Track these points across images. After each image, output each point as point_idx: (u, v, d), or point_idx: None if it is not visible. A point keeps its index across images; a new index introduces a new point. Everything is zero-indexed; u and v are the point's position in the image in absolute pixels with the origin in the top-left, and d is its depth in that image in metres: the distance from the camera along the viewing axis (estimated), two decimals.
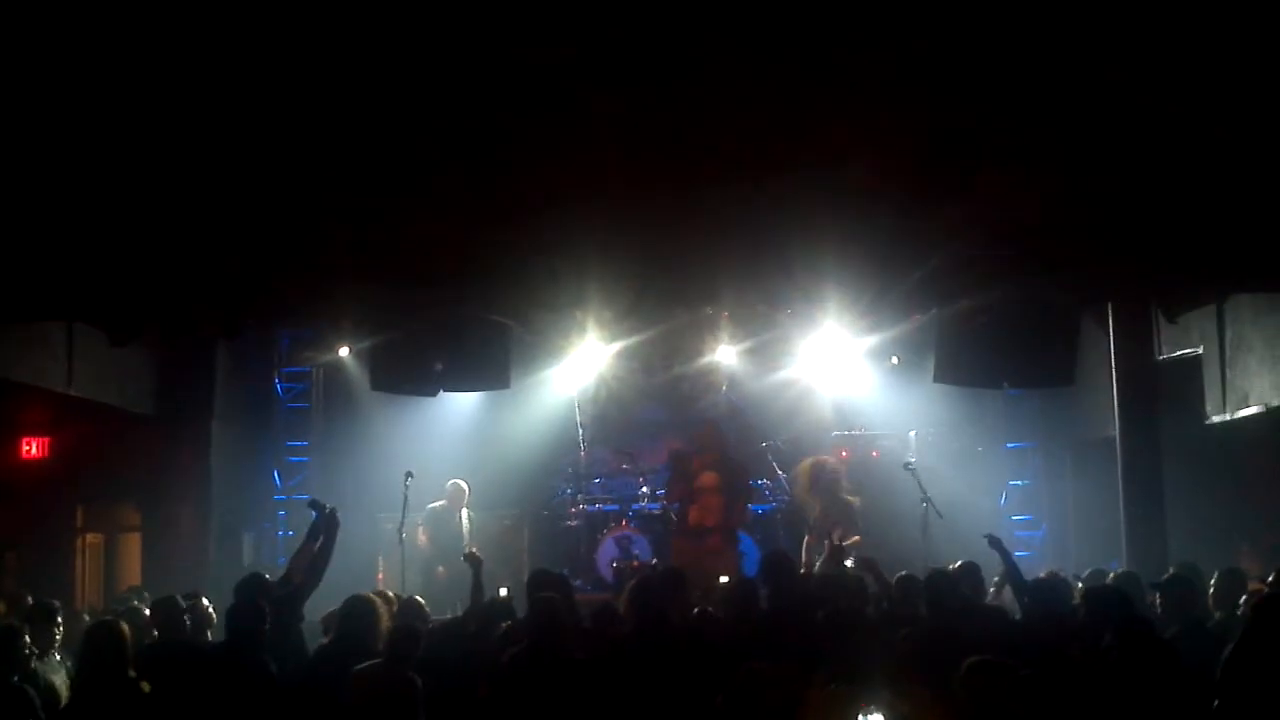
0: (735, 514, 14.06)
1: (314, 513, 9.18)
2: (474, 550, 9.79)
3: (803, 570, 11.49)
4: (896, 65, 6.44)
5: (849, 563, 10.62)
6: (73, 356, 11.99)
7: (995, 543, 9.67)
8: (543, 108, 6.80)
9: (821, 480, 13.50)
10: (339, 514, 9.17)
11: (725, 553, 13.57)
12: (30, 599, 9.75)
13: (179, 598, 9.09)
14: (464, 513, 14.25)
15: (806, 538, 13.39)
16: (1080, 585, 9.14)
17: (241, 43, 6.08)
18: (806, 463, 13.87)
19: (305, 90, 6.58)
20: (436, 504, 14.17)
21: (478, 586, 9.29)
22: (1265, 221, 8.04)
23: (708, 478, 13.83)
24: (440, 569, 13.25)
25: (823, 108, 6.85)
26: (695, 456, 14.07)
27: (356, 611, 8.06)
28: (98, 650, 7.41)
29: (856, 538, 12.69)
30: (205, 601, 9.43)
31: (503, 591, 9.47)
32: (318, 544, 9.02)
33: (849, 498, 13.50)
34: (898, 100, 6.82)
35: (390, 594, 9.43)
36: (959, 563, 9.43)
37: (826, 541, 11.45)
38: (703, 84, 6.64)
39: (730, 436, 15.39)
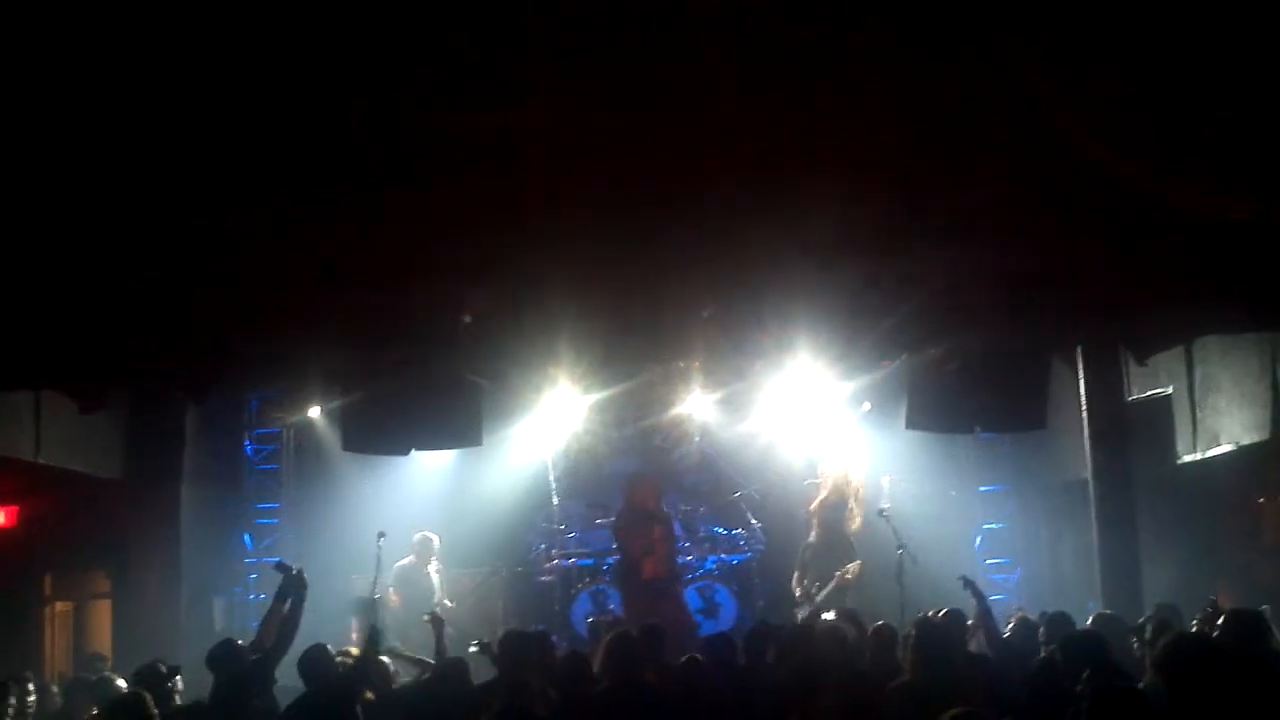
0: (674, 563, 14.60)
1: (282, 575, 9.13)
2: (435, 611, 9.73)
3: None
4: (863, 115, 6.47)
5: (829, 615, 10.61)
6: (40, 424, 11.88)
7: (969, 585, 9.68)
8: (508, 165, 6.81)
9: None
10: (305, 574, 9.09)
11: (684, 607, 14.21)
12: None
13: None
14: (433, 566, 14.16)
15: (796, 572, 13.73)
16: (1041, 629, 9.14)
17: (204, 107, 6.06)
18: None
19: (268, 154, 6.56)
20: (404, 561, 14.08)
21: (440, 648, 9.25)
22: (1229, 265, 8.09)
23: (657, 531, 14.21)
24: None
25: (792, 158, 6.87)
26: (645, 516, 14.27)
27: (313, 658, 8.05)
28: None
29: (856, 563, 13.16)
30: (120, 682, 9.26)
31: (472, 648, 9.43)
32: (286, 606, 8.94)
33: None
34: (866, 150, 6.85)
35: (355, 651, 9.36)
36: (943, 610, 9.41)
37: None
38: (672, 137, 6.65)
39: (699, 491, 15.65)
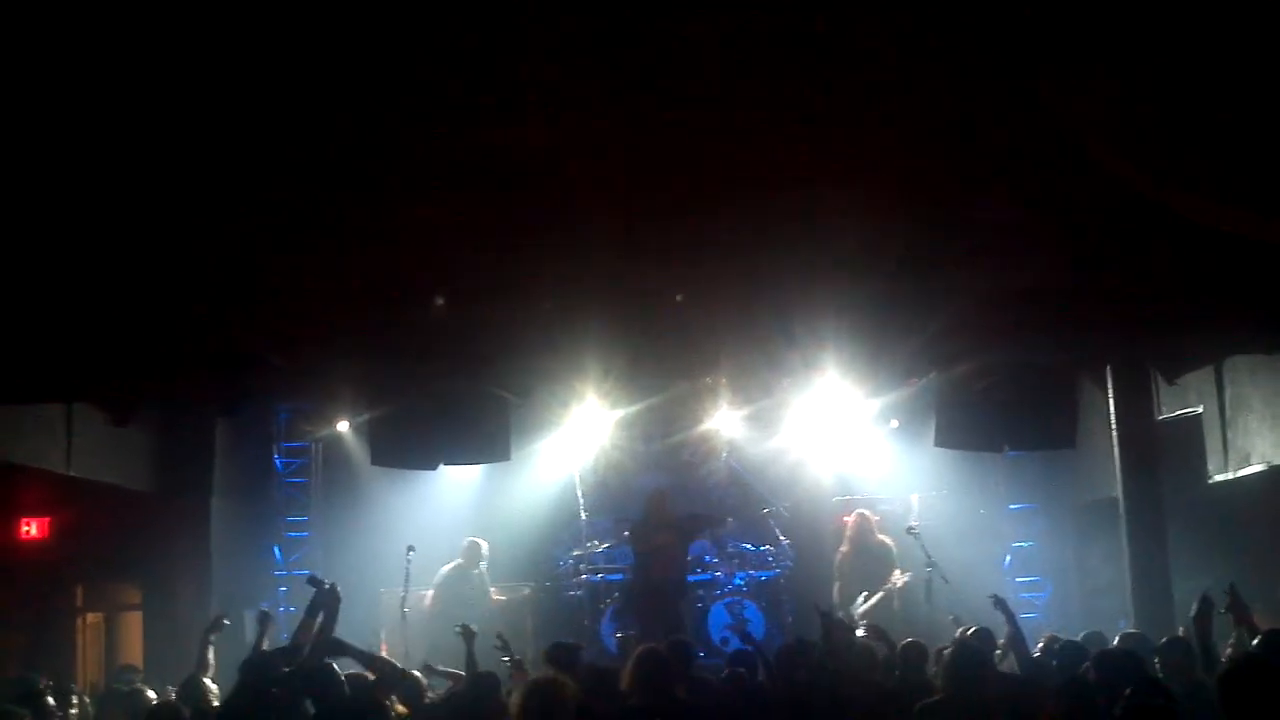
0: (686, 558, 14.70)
1: (313, 589, 9.15)
2: (469, 624, 9.73)
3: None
4: (890, 132, 6.47)
5: (860, 632, 10.58)
6: (71, 436, 11.97)
7: (1000, 604, 9.63)
8: (534, 181, 6.82)
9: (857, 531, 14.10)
10: (339, 589, 9.11)
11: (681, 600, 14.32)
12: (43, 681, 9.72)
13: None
14: (480, 569, 14.20)
15: (837, 583, 13.88)
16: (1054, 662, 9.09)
17: (233, 124, 6.10)
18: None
19: (297, 170, 6.60)
20: (448, 566, 14.07)
21: (470, 660, 9.25)
22: (1259, 284, 8.06)
23: (665, 536, 14.22)
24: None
25: (819, 175, 6.87)
26: (654, 523, 14.37)
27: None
28: None
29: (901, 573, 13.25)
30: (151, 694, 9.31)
31: (504, 661, 9.43)
32: (318, 621, 8.96)
33: (883, 539, 13.95)
34: (892, 166, 6.85)
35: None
36: (971, 629, 9.38)
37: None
38: (699, 153, 6.66)
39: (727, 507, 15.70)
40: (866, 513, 14.36)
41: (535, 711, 6.38)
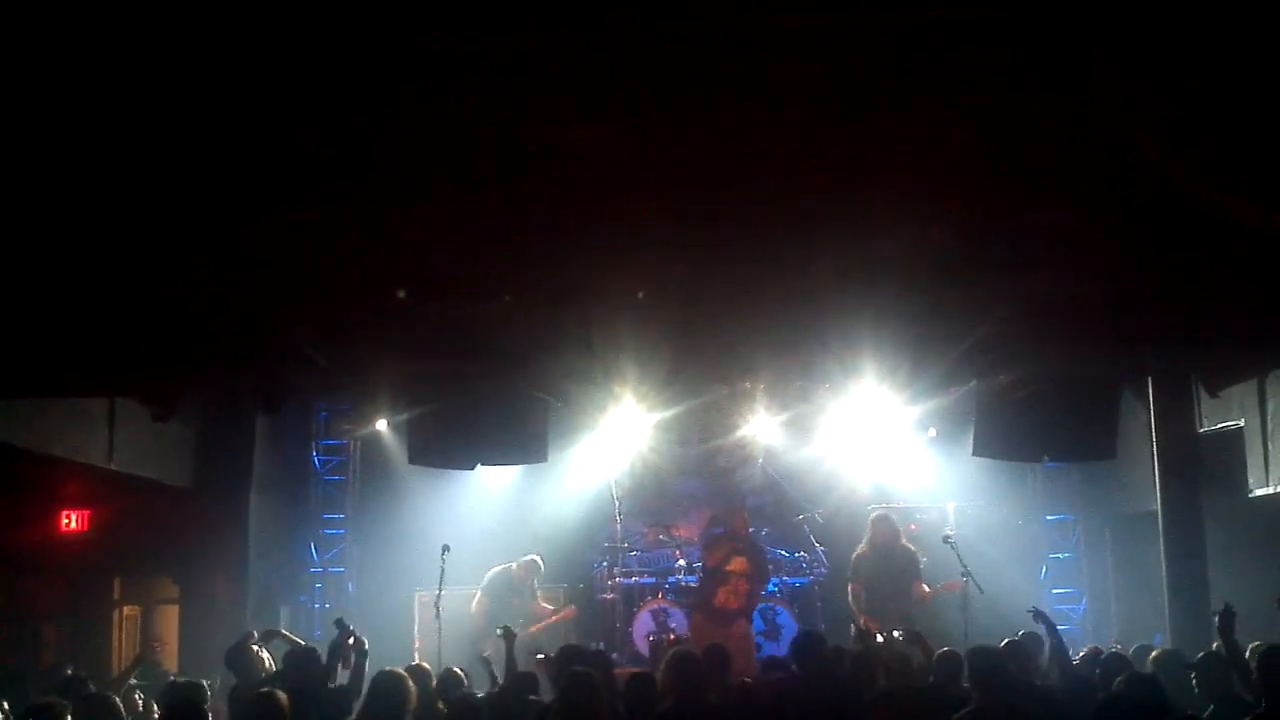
0: (756, 598, 14.27)
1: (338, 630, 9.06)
2: (508, 626, 9.74)
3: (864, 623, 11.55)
4: (933, 138, 6.44)
5: (897, 634, 10.52)
6: (113, 431, 12.07)
7: (1040, 616, 9.58)
8: (575, 183, 6.83)
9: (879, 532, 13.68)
10: (364, 638, 9.06)
11: (748, 635, 13.83)
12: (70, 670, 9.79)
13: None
14: (533, 584, 14.24)
15: (850, 585, 13.51)
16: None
17: (277, 114, 6.13)
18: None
19: (341, 164, 6.63)
20: (500, 567, 14.09)
21: (510, 661, 9.27)
22: None
23: (738, 563, 13.89)
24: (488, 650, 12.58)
25: (860, 182, 6.85)
26: (729, 541, 14.11)
27: (384, 689, 7.97)
28: None
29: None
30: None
31: (538, 657, 9.45)
32: (347, 662, 8.92)
33: (906, 544, 13.73)
34: (935, 173, 6.82)
35: (426, 665, 9.39)
36: (1017, 635, 9.35)
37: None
38: (739, 160, 6.65)
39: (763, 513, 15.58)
40: (890, 515, 14.12)
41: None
